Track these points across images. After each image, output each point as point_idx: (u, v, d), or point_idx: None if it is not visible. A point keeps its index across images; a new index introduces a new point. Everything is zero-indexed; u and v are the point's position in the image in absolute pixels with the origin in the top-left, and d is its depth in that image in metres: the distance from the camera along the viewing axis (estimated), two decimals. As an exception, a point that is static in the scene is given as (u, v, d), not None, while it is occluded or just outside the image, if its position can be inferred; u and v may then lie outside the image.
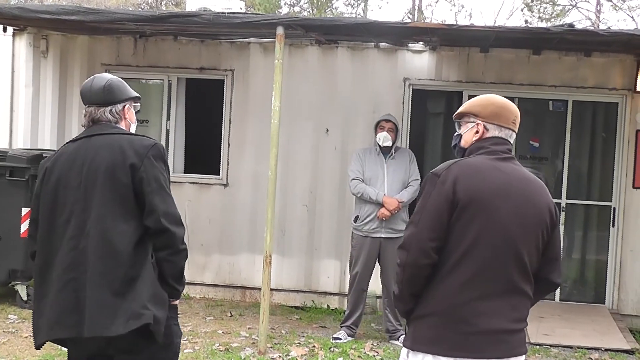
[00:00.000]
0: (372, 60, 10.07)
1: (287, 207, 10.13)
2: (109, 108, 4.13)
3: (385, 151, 8.55)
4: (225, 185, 10.27)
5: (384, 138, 8.47)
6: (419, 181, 8.60)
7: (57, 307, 3.85)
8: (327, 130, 10.10)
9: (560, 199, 10.02)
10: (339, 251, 10.00)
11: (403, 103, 9.99)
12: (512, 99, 9.92)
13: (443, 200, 3.59)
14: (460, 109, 3.99)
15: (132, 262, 3.82)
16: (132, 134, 4.15)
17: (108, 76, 4.24)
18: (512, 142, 3.87)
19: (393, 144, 8.53)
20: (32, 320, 4.02)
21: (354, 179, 8.50)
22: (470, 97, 9.86)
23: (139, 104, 4.32)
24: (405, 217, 8.51)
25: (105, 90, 4.13)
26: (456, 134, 4.00)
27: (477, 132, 3.85)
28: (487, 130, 3.83)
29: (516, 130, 3.87)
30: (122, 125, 4.17)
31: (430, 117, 10.24)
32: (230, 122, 10.25)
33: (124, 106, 4.19)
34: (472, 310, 3.57)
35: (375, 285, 8.87)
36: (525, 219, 3.65)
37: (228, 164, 10.26)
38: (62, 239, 3.92)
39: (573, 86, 9.93)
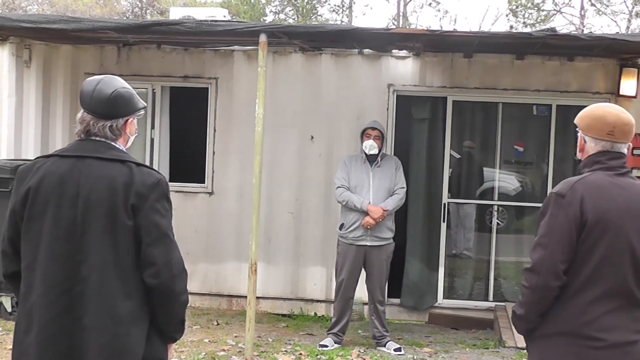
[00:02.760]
0: (356, 66, 10.09)
1: (273, 215, 10.11)
2: (109, 123, 3.65)
3: (371, 159, 8.54)
4: (211, 193, 10.25)
5: (370, 146, 8.46)
6: (405, 189, 8.62)
7: (46, 355, 3.52)
8: (312, 137, 10.10)
9: (546, 203, 10.01)
10: (325, 258, 9.99)
11: (387, 109, 10.00)
12: (496, 104, 10.06)
13: (572, 222, 3.61)
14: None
15: (132, 323, 3.53)
16: (132, 162, 3.62)
17: (116, 83, 3.71)
18: (624, 152, 3.82)
19: (379, 151, 8.52)
20: (13, 350, 3.67)
21: (339, 186, 8.49)
22: (454, 102, 10.02)
23: (142, 112, 3.84)
24: (391, 225, 8.51)
25: (110, 101, 3.64)
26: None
27: (579, 143, 3.91)
28: (586, 142, 3.86)
29: (620, 140, 3.78)
30: (120, 142, 3.70)
31: (415, 123, 10.24)
32: (214, 131, 10.23)
33: (127, 120, 3.71)
34: (600, 326, 3.61)
35: (361, 292, 8.87)
36: None
37: (213, 172, 10.24)
38: (49, 278, 3.53)
39: (557, 90, 9.97)
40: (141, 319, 3.57)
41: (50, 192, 3.57)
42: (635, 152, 9.71)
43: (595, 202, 3.61)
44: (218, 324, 9.40)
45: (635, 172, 9.37)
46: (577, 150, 3.95)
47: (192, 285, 10.15)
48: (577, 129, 3.95)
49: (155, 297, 3.58)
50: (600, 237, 3.59)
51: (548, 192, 9.84)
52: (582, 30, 28.70)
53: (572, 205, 3.61)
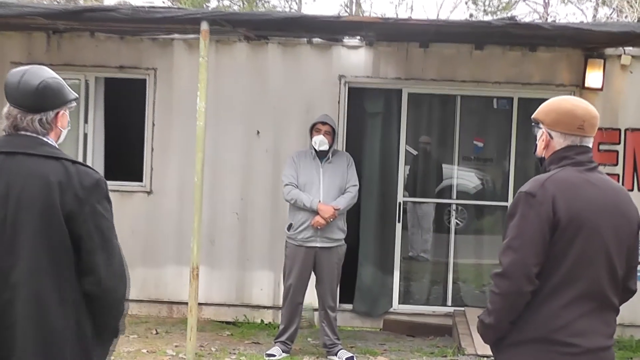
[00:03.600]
0: (305, 57, 10.14)
1: (216, 215, 10.13)
2: (38, 116, 3.59)
3: (321, 155, 8.60)
4: (149, 192, 10.24)
5: (320, 142, 8.51)
6: (357, 187, 8.68)
7: None
8: (258, 132, 10.13)
9: (507, 201, 10.17)
10: (273, 261, 10.02)
11: (339, 102, 10.07)
12: (453, 96, 10.16)
13: (544, 222, 3.62)
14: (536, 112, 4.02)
15: (66, 333, 3.50)
16: (67, 160, 3.57)
17: (44, 73, 3.64)
18: (591, 146, 3.88)
19: (330, 147, 8.58)
20: None
21: (287, 184, 8.54)
22: (410, 95, 10.11)
23: (74, 104, 3.78)
24: (342, 226, 8.58)
25: (39, 93, 3.57)
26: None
27: (543, 140, 3.92)
28: (552, 138, 3.88)
29: (589, 134, 3.85)
30: (52, 136, 3.65)
31: (368, 117, 10.30)
32: (153, 125, 10.23)
33: (58, 113, 3.66)
34: (574, 331, 3.63)
35: (311, 297, 8.92)
36: (619, 232, 3.75)
37: (152, 169, 10.24)
38: None
39: (518, 82, 10.11)
40: (76, 329, 3.55)
41: None
42: (602, 147, 9.88)
43: (568, 200, 3.65)
44: (157, 333, 9.41)
45: (601, 169, 9.55)
46: (539, 147, 3.95)
47: (129, 292, 10.12)
48: (537, 125, 3.97)
49: (94, 306, 3.58)
50: (574, 237, 3.63)
51: (509, 190, 10.08)
52: (546, 19, 29.02)
53: (543, 204, 3.63)
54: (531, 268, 3.61)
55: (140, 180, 10.31)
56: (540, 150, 3.96)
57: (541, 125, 3.93)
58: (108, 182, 3.73)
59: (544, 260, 3.64)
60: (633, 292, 3.94)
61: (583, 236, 3.64)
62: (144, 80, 10.32)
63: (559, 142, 3.85)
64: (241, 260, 10.19)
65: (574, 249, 3.63)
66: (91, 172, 3.62)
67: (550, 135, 3.88)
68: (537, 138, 3.98)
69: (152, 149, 10.24)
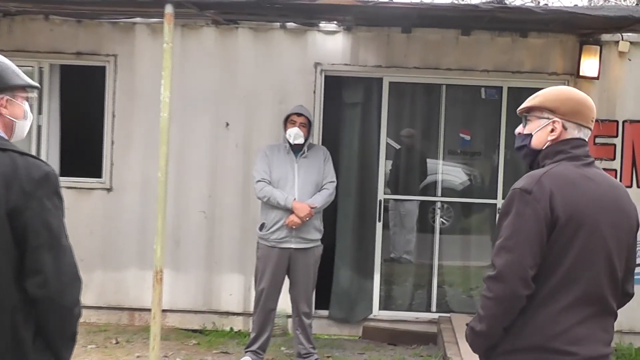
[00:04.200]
0: (278, 42, 10.08)
1: (182, 214, 10.06)
2: None
3: (296, 149, 8.54)
4: (109, 189, 10.15)
5: (295, 135, 8.44)
6: (335, 183, 8.64)
7: None
8: (227, 124, 10.06)
9: (496, 199, 10.14)
10: (243, 264, 9.98)
11: (314, 92, 10.02)
12: (438, 85, 10.14)
13: (541, 221, 3.60)
14: (530, 102, 3.94)
15: (10, 341, 3.42)
16: (15, 151, 3.49)
17: None
18: (586, 139, 3.87)
19: (305, 141, 8.52)
20: None
21: (259, 180, 8.46)
22: (391, 84, 10.06)
23: (33, 94, 3.72)
24: (319, 225, 8.53)
25: None
26: (522, 132, 3.96)
27: (552, 131, 3.84)
28: (566, 129, 3.83)
29: (592, 127, 3.88)
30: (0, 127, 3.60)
31: (346, 108, 10.27)
32: (113, 116, 10.13)
33: (2, 99, 3.59)
34: (572, 338, 3.61)
35: (284, 302, 8.85)
36: (619, 230, 3.74)
37: (112, 164, 10.14)
38: None
39: (508, 71, 10.09)
40: (21, 336, 3.46)
41: None
42: (598, 140, 9.87)
43: (566, 197, 3.64)
44: (117, 343, 9.34)
45: (597, 163, 9.53)
46: (538, 138, 3.85)
47: (87, 297, 10.01)
48: (542, 114, 3.87)
49: (41, 310, 3.47)
50: (573, 236, 3.62)
51: (499, 187, 10.07)
52: (538, 2, 29.08)
53: (540, 201, 3.61)
54: (527, 270, 3.59)
55: (99, 176, 10.22)
56: (542, 142, 3.86)
57: (548, 115, 3.85)
58: (64, 178, 3.65)
59: (541, 262, 3.61)
60: (631, 295, 3.93)
61: (583, 235, 3.63)
62: (104, 68, 10.23)
63: (574, 135, 3.83)
64: (209, 262, 10.13)
65: (573, 249, 3.62)
66: (41, 165, 3.51)
67: (564, 126, 3.83)
68: (533, 130, 3.89)
69: (112, 143, 10.14)
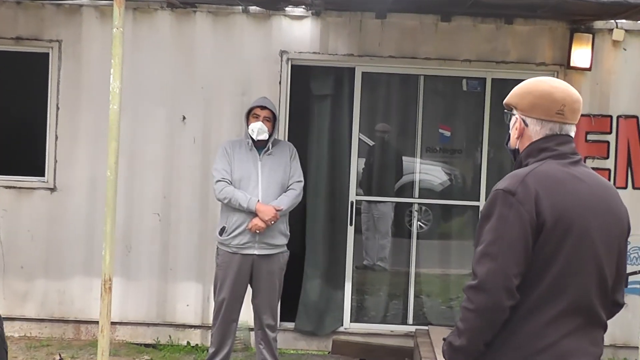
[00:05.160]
0: (239, 28, 10.08)
1: (134, 217, 10.05)
2: None
3: (259, 145, 8.51)
4: (53, 189, 10.12)
5: (259, 130, 8.42)
6: (302, 183, 8.63)
7: None
8: (184, 117, 10.07)
9: (479, 201, 10.20)
10: (201, 272, 10.00)
11: (280, 83, 10.04)
12: (416, 76, 10.17)
13: (526, 225, 3.60)
14: (507, 97, 4.03)
15: None
16: None
17: None
18: (572, 135, 3.89)
19: (270, 136, 8.51)
20: None
21: (219, 180, 8.44)
22: (364, 75, 10.10)
23: None
24: (285, 229, 8.52)
25: None
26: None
27: (516, 128, 3.92)
28: (527, 126, 3.88)
29: (569, 120, 3.86)
30: None
31: (315, 101, 10.28)
32: (57, 109, 10.10)
33: None
34: (559, 352, 3.61)
35: (247, 314, 8.87)
36: (609, 234, 3.76)
37: (56, 162, 10.11)
38: None
39: (492, 61, 10.15)
40: None
41: None
42: (590, 137, 9.93)
43: (553, 198, 3.64)
44: (61, 358, 9.30)
45: (589, 162, 9.61)
46: (512, 137, 3.97)
47: (28, 309, 10.01)
48: (510, 111, 3.98)
49: None
50: (561, 241, 3.63)
51: (482, 188, 10.13)
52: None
53: (525, 203, 3.61)
54: (511, 279, 3.59)
55: (42, 174, 10.18)
56: (513, 141, 3.97)
57: (514, 111, 3.93)
58: (2, 177, 3.63)
59: (526, 270, 3.62)
60: (621, 305, 3.95)
61: (571, 240, 3.64)
62: (47, 55, 10.19)
63: (535, 131, 3.86)
64: (163, 270, 10.12)
65: (561, 255, 3.63)
66: None
67: (524, 122, 3.88)
68: (510, 127, 3.99)
69: (56, 137, 10.11)
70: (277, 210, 8.32)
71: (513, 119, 3.94)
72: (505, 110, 4.01)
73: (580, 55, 9.84)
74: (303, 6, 9.90)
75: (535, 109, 3.84)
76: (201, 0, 9.77)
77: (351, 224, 10.27)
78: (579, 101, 3.89)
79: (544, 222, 3.61)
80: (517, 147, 3.95)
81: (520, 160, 3.90)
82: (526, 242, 3.60)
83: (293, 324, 10.24)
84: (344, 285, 10.32)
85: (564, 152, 3.82)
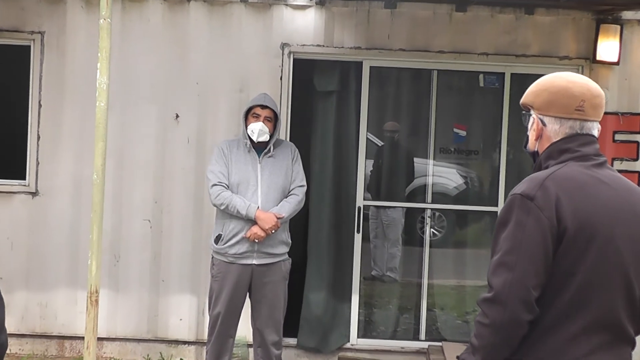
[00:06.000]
0: (237, 19, 10.09)
1: (122, 224, 10.06)
2: None
3: (259, 146, 8.50)
4: (34, 194, 10.12)
5: (259, 131, 8.39)
6: (305, 188, 8.60)
7: None
8: (177, 116, 10.07)
9: (497, 206, 10.20)
10: (196, 283, 10.00)
11: (281, 78, 10.04)
12: (428, 71, 10.17)
13: (547, 232, 3.59)
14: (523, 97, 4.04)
15: None
16: None
17: None
18: (596, 134, 3.88)
19: (271, 137, 8.50)
20: None
21: (215, 184, 8.43)
22: (373, 69, 10.10)
23: None
24: (286, 238, 8.51)
25: None
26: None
27: (534, 129, 3.92)
28: (545, 125, 3.88)
29: (590, 117, 3.85)
30: None
31: (319, 98, 10.28)
32: (40, 106, 10.11)
33: None
34: None
35: (245, 329, 8.88)
36: (637, 242, 3.74)
37: (38, 164, 10.12)
38: None
39: (511, 54, 10.15)
40: None
41: None
42: (618, 137, 9.92)
43: (575, 203, 3.63)
44: (45, 377, 9.32)
45: (617, 164, 9.59)
46: (530, 139, 3.97)
47: (7, 323, 9.97)
48: (527, 112, 3.99)
49: None
50: (585, 250, 3.61)
51: (500, 192, 10.11)
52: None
53: (544, 209, 3.60)
54: (530, 291, 3.59)
55: (23, 177, 10.19)
56: (532, 143, 3.97)
57: (531, 111, 3.94)
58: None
59: (546, 281, 3.61)
60: None
61: (595, 249, 3.63)
62: (28, 48, 10.19)
63: (555, 130, 3.86)
64: (154, 281, 10.13)
65: (584, 265, 3.62)
66: None
67: (542, 121, 3.89)
68: (528, 128, 3.99)
69: (39, 137, 10.11)
70: (278, 218, 8.30)
71: (530, 119, 3.95)
72: (524, 112, 4.01)
73: (607, 48, 9.83)
74: (306, -5, 9.93)
75: (552, 107, 3.85)
76: (195, -12, 9.80)
77: (358, 232, 10.27)
78: (601, 96, 3.88)
79: (566, 229, 3.60)
80: (536, 150, 3.94)
81: (539, 162, 3.90)
82: (546, 251, 3.60)
83: (295, 339, 10.24)
84: (351, 298, 10.31)
85: (587, 153, 3.81)
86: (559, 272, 3.62)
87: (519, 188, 3.72)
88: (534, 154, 3.97)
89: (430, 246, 10.59)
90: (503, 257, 3.64)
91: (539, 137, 3.91)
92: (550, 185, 3.65)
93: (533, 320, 3.62)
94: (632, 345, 3.80)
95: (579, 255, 3.62)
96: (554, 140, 3.85)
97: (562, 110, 3.83)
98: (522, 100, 3.99)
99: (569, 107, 3.82)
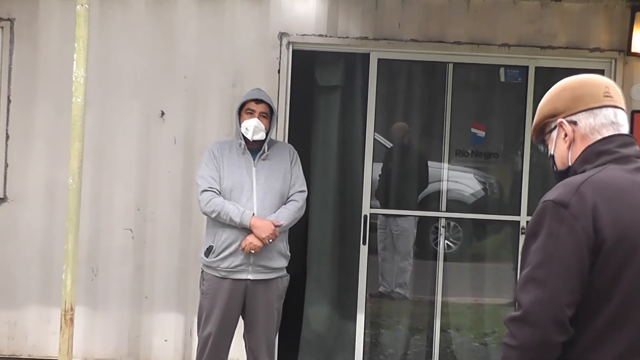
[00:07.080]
0: (230, 6, 10.10)
1: (101, 233, 10.06)
2: None
3: (254, 147, 8.50)
4: (2, 199, 10.13)
5: (255, 128, 8.38)
6: (305, 193, 8.58)
7: None
8: (163, 113, 10.07)
9: (519, 215, 10.18)
10: (183, 301, 10.01)
11: (279, 71, 10.05)
12: (443, 64, 10.19)
13: (582, 244, 3.54)
14: (534, 123, 4.02)
15: None
16: None
17: None
18: (633, 137, 3.86)
19: (266, 136, 8.50)
20: None
21: (205, 190, 8.40)
22: (381, 62, 10.09)
23: None
24: (284, 249, 8.49)
25: None
26: (550, 154, 4.00)
27: (565, 135, 3.86)
28: (577, 124, 3.83)
29: (619, 103, 3.85)
30: None
31: (321, 93, 10.30)
32: (9, 102, 10.11)
33: None
34: None
35: (238, 351, 8.86)
36: None
37: (6, 166, 10.12)
38: None
39: (536, 46, 10.15)
40: None
41: None
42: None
43: (615, 212, 3.56)
44: (13, 404, 9.31)
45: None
46: (560, 155, 3.91)
47: (-28, 344, 10.00)
48: (542, 136, 3.98)
49: None
50: (625, 264, 3.55)
51: (522, 199, 10.11)
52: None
53: (580, 218, 3.54)
54: (564, 310, 3.54)
55: (-10, 182, 10.18)
56: (563, 157, 3.91)
57: (553, 123, 3.90)
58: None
59: (581, 299, 3.57)
60: None
61: (637, 263, 3.57)
62: (-4, 37, 10.19)
63: (590, 125, 3.81)
64: (137, 298, 10.12)
65: (625, 281, 3.57)
66: None
67: (574, 122, 3.84)
68: (552, 148, 3.96)
69: (7, 137, 10.12)
70: (276, 226, 8.28)
71: (553, 134, 3.91)
72: (550, 124, 3.95)
73: (644, 39, 9.84)
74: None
75: (580, 100, 3.82)
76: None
77: (364, 243, 10.27)
78: (615, 84, 3.91)
79: (604, 241, 3.54)
80: (570, 164, 3.87)
81: (574, 169, 3.83)
82: (581, 265, 3.54)
83: (294, 362, 10.26)
84: (356, 317, 10.31)
85: (627, 154, 3.76)
86: (596, 288, 3.57)
87: (552, 194, 3.66)
88: (568, 170, 3.88)
89: (445, 259, 10.59)
90: (533, 271, 3.60)
91: (571, 143, 3.85)
92: (587, 191, 3.59)
93: (567, 342, 3.58)
94: None
95: (619, 269, 3.56)
96: (591, 138, 3.80)
97: (592, 99, 3.81)
98: (538, 120, 3.96)
99: (597, 95, 3.81)
